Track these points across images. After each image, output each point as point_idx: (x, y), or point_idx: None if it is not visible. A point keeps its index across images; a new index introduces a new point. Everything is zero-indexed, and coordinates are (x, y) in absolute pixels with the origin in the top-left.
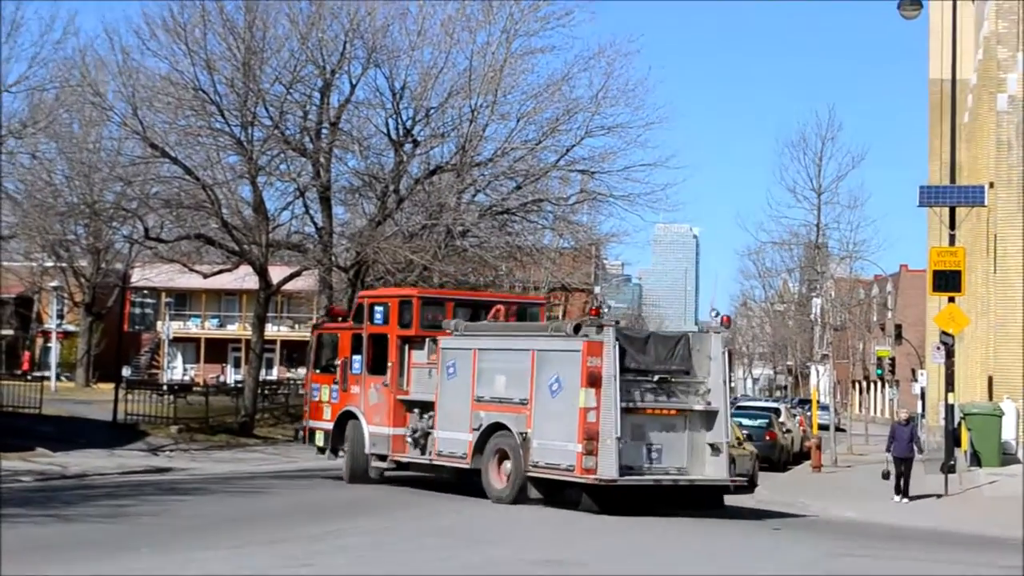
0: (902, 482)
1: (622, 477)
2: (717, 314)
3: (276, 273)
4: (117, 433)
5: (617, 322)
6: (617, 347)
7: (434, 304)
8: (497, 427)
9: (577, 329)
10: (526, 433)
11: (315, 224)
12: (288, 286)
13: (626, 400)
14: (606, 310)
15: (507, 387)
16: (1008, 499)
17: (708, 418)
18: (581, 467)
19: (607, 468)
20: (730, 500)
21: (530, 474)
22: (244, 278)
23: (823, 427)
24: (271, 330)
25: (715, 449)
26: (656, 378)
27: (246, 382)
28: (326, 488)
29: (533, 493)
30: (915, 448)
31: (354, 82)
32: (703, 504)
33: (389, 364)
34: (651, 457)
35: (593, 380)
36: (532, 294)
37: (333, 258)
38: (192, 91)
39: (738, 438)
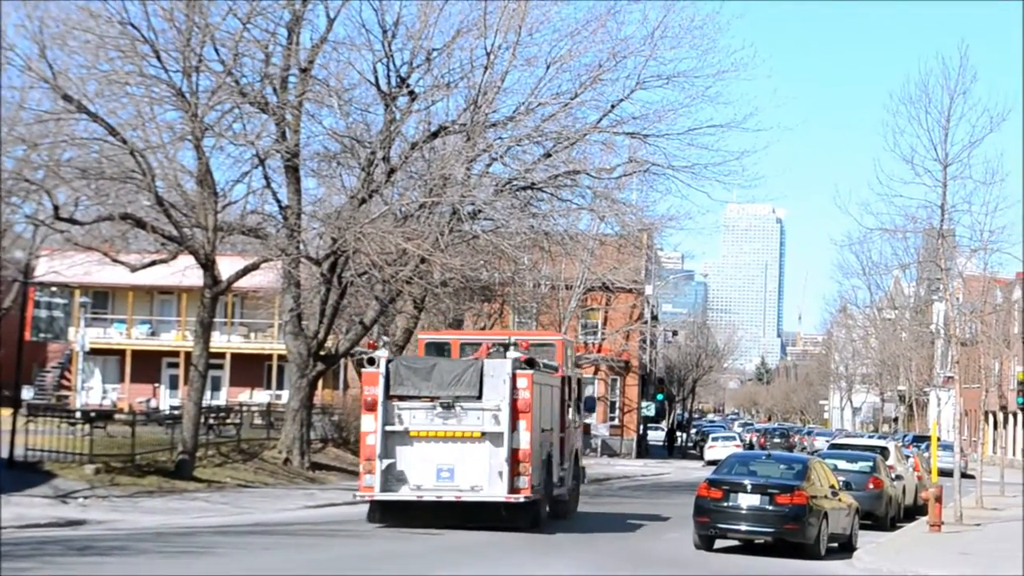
0: None
1: (383, 493)
2: (513, 345)
3: (227, 266)
4: (14, 474)
5: (392, 354)
6: (391, 373)
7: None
8: None
9: (371, 361)
10: None
11: (278, 202)
12: (242, 283)
13: (411, 423)
14: (383, 343)
15: None
16: None
17: (501, 439)
18: (362, 485)
19: (376, 486)
20: (820, 566)
21: None
22: (184, 272)
23: (945, 472)
24: (219, 340)
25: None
26: (439, 404)
27: (185, 408)
28: (285, 549)
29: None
30: None
31: (332, 15)
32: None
33: None
34: (441, 477)
35: (369, 406)
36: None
37: (302, 246)
38: (118, 26)
39: (832, 486)
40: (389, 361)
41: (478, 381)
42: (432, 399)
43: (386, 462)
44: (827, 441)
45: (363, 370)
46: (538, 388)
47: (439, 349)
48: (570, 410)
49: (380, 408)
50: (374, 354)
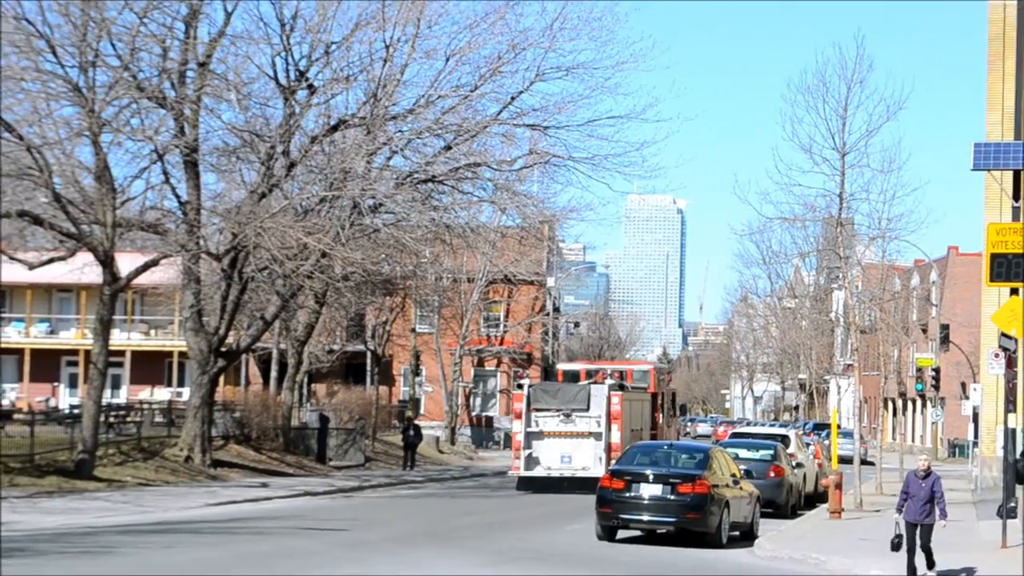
0: (914, 560)
1: (526, 471)
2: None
3: (126, 262)
4: None
5: (532, 381)
6: (531, 394)
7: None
8: None
9: (519, 386)
10: None
11: (177, 197)
12: (141, 279)
13: (544, 426)
14: (526, 376)
15: None
16: None
17: (601, 437)
18: (513, 466)
19: (522, 467)
20: (722, 555)
21: None
22: (83, 269)
23: (845, 460)
24: (119, 337)
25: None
26: (561, 413)
27: (85, 406)
28: (187, 548)
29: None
30: (936, 512)
31: (230, 9)
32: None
33: None
34: (563, 461)
35: (517, 415)
36: (637, 359)
37: (202, 242)
38: (13, 21)
39: (734, 475)
40: (530, 386)
41: (587, 399)
42: (558, 411)
43: (527, 451)
44: (709, 427)
45: (513, 392)
46: (627, 403)
47: (571, 375)
48: (661, 415)
49: (524, 417)
50: (521, 381)
